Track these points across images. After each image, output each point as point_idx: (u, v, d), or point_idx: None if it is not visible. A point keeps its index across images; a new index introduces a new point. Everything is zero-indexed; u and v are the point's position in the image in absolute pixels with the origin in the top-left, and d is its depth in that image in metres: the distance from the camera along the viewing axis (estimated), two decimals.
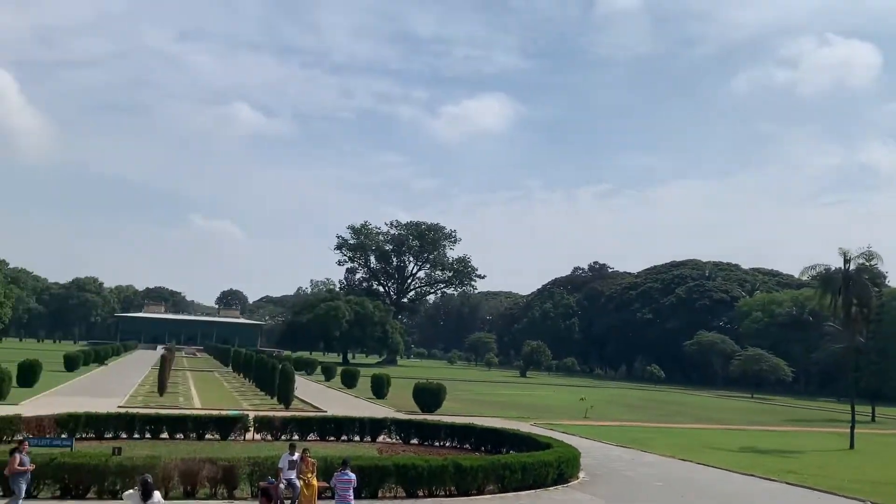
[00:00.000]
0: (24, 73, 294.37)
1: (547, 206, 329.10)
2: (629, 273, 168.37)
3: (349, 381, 63.68)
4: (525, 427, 34.13)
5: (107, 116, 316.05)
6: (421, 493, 18.96)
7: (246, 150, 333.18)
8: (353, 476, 14.65)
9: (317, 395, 52.58)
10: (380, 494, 18.65)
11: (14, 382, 39.78)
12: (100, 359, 78.10)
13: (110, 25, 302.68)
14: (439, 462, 19.24)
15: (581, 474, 23.58)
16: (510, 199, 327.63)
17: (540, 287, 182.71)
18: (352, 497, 14.34)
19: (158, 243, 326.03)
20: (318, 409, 40.22)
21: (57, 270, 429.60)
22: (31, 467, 15.04)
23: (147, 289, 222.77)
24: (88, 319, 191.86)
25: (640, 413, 55.30)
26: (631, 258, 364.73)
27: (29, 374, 44.85)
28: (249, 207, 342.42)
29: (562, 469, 21.83)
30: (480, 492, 19.60)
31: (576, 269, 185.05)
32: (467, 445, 28.54)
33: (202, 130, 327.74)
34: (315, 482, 17.22)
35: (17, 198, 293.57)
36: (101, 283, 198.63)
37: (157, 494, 11.78)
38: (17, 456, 14.81)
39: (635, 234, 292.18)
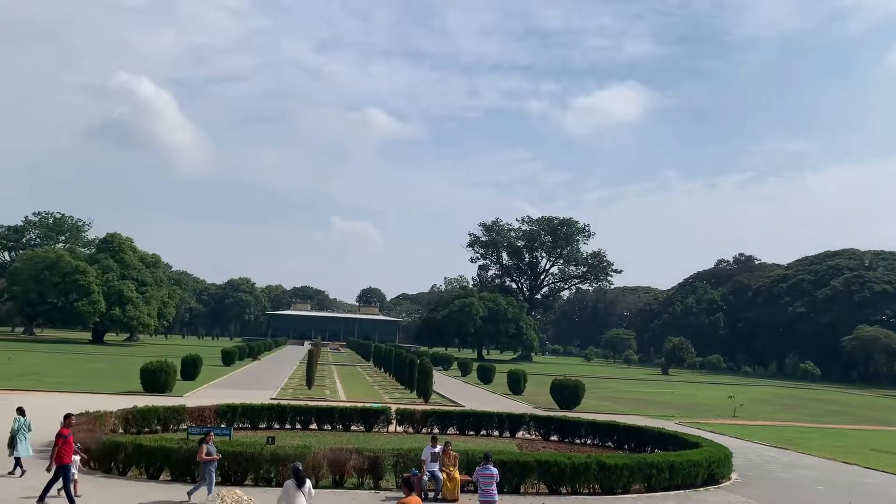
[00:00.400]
0: (181, 90, 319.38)
1: (685, 197, 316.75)
2: (778, 265, 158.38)
3: (485, 376, 64.01)
4: (670, 426, 32.86)
5: (253, 128, 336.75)
6: (564, 491, 18.65)
7: (381, 153, 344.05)
8: (495, 471, 14.58)
9: (454, 390, 53.21)
10: (522, 490, 18.53)
11: (178, 376, 42.97)
12: (253, 354, 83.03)
13: (255, 41, 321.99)
14: (582, 459, 18.84)
15: (733, 475, 22.38)
16: (645, 190, 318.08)
17: (681, 281, 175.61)
18: (495, 491, 14.24)
19: (303, 245, 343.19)
20: (456, 404, 40.65)
21: (214, 272, 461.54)
22: (217, 457, 16.32)
23: (294, 288, 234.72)
24: (242, 317, 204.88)
25: (795, 412, 51.88)
26: (780, 249, 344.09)
27: (191, 368, 48.27)
28: (385, 208, 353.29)
29: (712, 469, 20.80)
30: (626, 491, 19.03)
31: (719, 261, 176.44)
32: (609, 443, 27.83)
33: (340, 136, 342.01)
34: (457, 475, 17.38)
35: (179, 207, 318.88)
36: (253, 284, 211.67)
37: (308, 482, 12.26)
38: (205, 446, 16.14)
39: (784, 224, 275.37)
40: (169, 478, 17.90)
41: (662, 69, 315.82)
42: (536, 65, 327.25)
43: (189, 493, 15.90)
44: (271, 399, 35.36)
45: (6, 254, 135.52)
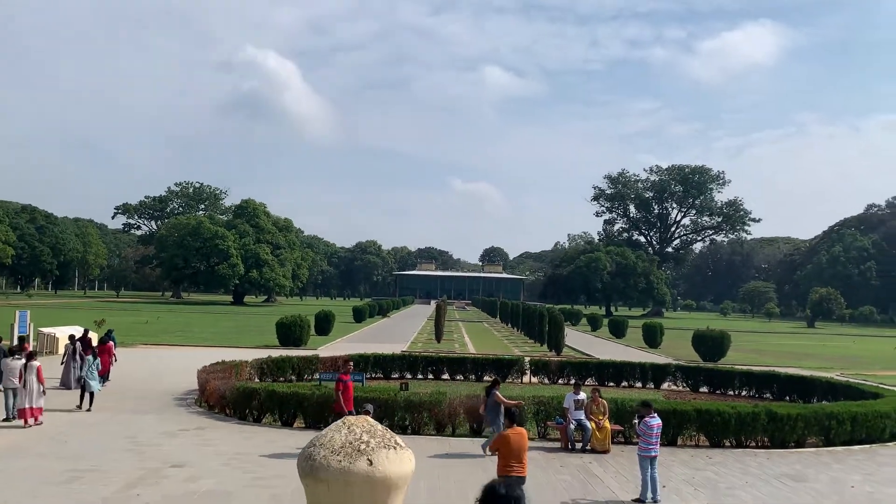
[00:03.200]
0: (304, 61, 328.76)
1: (826, 142, 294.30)
2: None
3: (617, 330, 61.61)
4: (834, 377, 29.65)
5: (373, 93, 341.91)
6: (727, 443, 16.68)
7: (499, 111, 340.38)
8: (659, 421, 12.75)
9: (585, 343, 51.34)
10: (679, 442, 16.72)
11: (312, 331, 43.63)
12: (382, 311, 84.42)
13: (370, 8, 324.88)
14: (749, 409, 16.73)
15: None
16: (781, 136, 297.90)
17: (825, 229, 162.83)
18: (657, 444, 12.43)
19: (426, 207, 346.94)
20: (590, 357, 38.81)
21: (342, 236, 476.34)
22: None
23: (419, 249, 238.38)
24: (371, 279, 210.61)
25: None
26: None
27: (324, 324, 49.06)
28: (505, 167, 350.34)
29: None
30: (799, 444, 16.80)
31: (869, 206, 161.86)
32: (767, 395, 25.33)
33: (458, 97, 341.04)
34: (608, 424, 15.81)
35: (307, 174, 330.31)
36: (380, 246, 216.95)
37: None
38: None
39: None
40: (303, 425, 17.45)
41: (797, 4, 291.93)
42: (659, 10, 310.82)
43: (483, 447, 15.07)
44: (402, 351, 34.96)
45: (153, 223, 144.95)
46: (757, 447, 16.64)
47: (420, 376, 27.28)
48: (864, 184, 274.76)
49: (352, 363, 17.84)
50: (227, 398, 18.34)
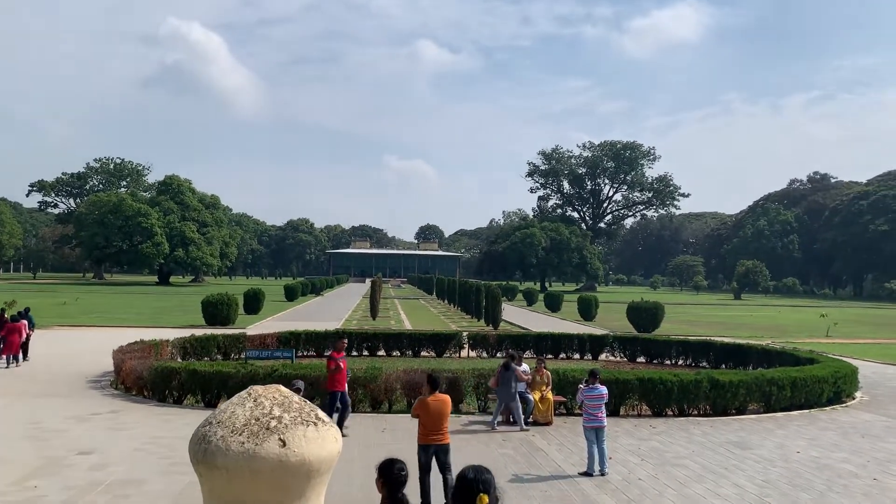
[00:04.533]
0: (232, 34, 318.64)
1: (750, 120, 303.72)
2: (856, 182, 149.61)
3: (553, 304, 61.81)
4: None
5: (305, 68, 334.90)
6: (669, 412, 16.34)
7: (434, 88, 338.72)
8: (605, 390, 12.17)
9: (522, 318, 51.17)
10: (622, 412, 16.29)
11: (240, 310, 41.95)
12: (316, 290, 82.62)
13: None
14: (692, 377, 16.40)
15: (858, 394, 19.67)
16: (707, 115, 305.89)
17: (751, 204, 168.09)
18: (604, 414, 11.88)
19: (360, 184, 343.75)
20: (528, 330, 38.49)
21: (273, 214, 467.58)
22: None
23: (353, 227, 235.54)
24: (304, 257, 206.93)
25: (892, 331, 48.10)
26: (856, 167, 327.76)
27: (254, 302, 47.34)
28: (439, 145, 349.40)
29: (838, 386, 18.14)
30: (740, 411, 16.60)
31: (792, 181, 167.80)
32: (704, 363, 25.29)
33: (391, 73, 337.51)
34: (551, 396, 15.23)
35: (236, 151, 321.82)
36: (313, 224, 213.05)
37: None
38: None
39: (859, 142, 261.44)
40: None
41: None
42: None
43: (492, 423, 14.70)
44: (336, 328, 33.83)
45: (71, 200, 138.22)
46: (699, 415, 16.37)
47: (355, 353, 26.25)
48: (786, 160, 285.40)
49: (346, 340, 16.55)
50: (145, 379, 17.01)
